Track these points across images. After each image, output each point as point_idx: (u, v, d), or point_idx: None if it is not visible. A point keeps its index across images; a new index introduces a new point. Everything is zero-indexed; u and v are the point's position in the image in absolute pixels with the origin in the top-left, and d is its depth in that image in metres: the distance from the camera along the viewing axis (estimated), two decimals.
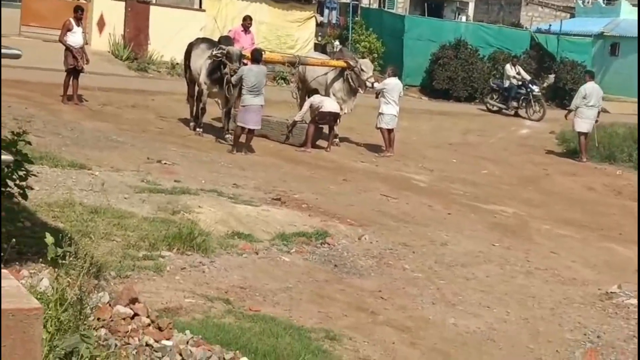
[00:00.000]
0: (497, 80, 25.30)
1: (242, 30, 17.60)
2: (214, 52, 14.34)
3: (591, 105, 17.37)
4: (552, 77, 29.56)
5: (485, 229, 10.84)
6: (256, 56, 14.24)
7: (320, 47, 28.99)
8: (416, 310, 7.18)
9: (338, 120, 15.77)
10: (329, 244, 8.85)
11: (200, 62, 14.83)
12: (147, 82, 20.29)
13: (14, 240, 5.25)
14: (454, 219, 11.15)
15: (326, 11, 32.90)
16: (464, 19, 38.09)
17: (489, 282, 8.25)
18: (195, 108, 15.31)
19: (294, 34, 28.24)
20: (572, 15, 42.69)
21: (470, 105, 25.57)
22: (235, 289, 6.94)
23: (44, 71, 17.21)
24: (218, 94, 14.76)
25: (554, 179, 15.39)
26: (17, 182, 6.07)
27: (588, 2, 47.28)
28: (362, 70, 16.08)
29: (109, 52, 24.86)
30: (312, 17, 28.66)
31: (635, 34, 36.27)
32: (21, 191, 6.13)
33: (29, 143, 6.41)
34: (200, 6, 27.30)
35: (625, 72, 34.18)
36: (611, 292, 8.11)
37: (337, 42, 29.60)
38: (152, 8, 26.50)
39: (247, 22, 17.93)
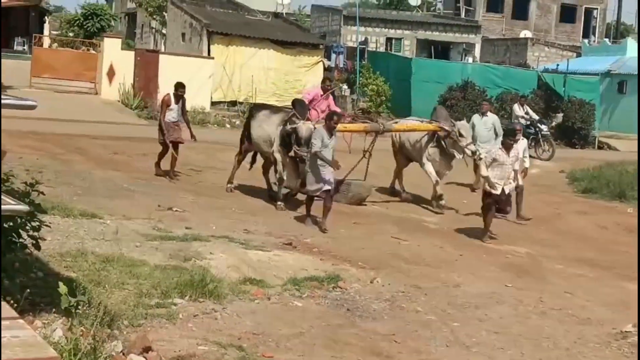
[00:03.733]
0: (506, 121, 25.33)
1: (321, 95, 15.22)
2: (286, 127, 12.90)
3: None
4: (560, 116, 29.62)
5: (497, 269, 10.80)
6: (330, 117, 12.41)
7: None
8: (430, 354, 7.14)
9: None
10: (341, 288, 8.84)
11: (269, 131, 13.44)
12: (157, 130, 20.40)
13: (27, 290, 5.27)
14: (466, 260, 11.12)
15: (333, 55, 33.23)
16: (470, 60, 38.34)
17: (503, 323, 8.21)
18: (265, 179, 14.24)
19: (302, 79, 28.51)
20: (579, 55, 42.93)
21: None
22: (248, 335, 6.93)
23: (55, 122, 17.37)
24: (290, 165, 13.24)
25: (566, 218, 15.35)
26: (30, 232, 6.11)
27: (594, 41, 47.61)
28: (460, 135, 14.52)
29: (119, 101, 25.13)
30: (319, 61, 28.96)
31: None
32: (34, 242, 6.17)
33: (42, 193, 6.47)
34: (209, 54, 27.59)
35: (633, 110, 34.26)
36: (626, 332, 8.04)
37: (345, 86, 29.83)
38: (162, 56, 26.87)
39: (326, 84, 15.84)
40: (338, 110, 15.09)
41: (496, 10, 49.78)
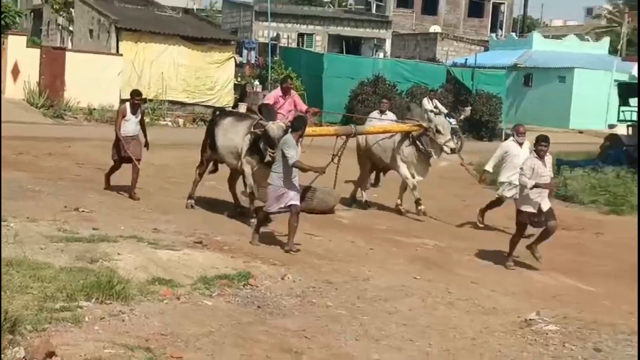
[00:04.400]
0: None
1: (281, 95, 14.19)
2: (253, 130, 11.87)
3: None
4: (468, 109, 30.13)
5: (407, 262, 10.94)
6: (296, 126, 11.19)
7: (240, 88, 29.11)
8: (340, 348, 7.18)
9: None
10: (252, 285, 8.81)
11: (235, 140, 12.34)
12: (63, 129, 20.06)
13: None
14: (376, 254, 11.23)
15: (245, 51, 33.11)
16: (381, 55, 38.72)
17: (412, 315, 8.32)
18: (232, 193, 13.23)
19: (214, 75, 28.34)
20: (487, 49, 43.84)
21: None
22: (156, 336, 6.84)
23: None
24: (262, 176, 11.84)
25: (474, 210, 15.61)
26: None
27: (501, 35, 48.62)
28: (437, 132, 13.82)
29: (24, 100, 24.53)
30: (231, 57, 28.80)
31: (547, 65, 37.42)
32: None
33: None
34: (118, 50, 27.16)
35: (537, 102, 35.15)
36: (530, 320, 8.25)
37: (256, 82, 29.77)
38: (68, 54, 26.35)
39: (287, 83, 14.58)
40: (304, 108, 14.50)
41: (406, 5, 50.40)
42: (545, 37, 44.97)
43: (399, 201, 14.79)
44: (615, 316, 8.71)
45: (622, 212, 15.42)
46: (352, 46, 41.30)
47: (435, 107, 24.55)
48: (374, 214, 14.55)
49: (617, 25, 51.59)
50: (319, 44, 41.06)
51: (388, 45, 42.34)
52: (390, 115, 16.41)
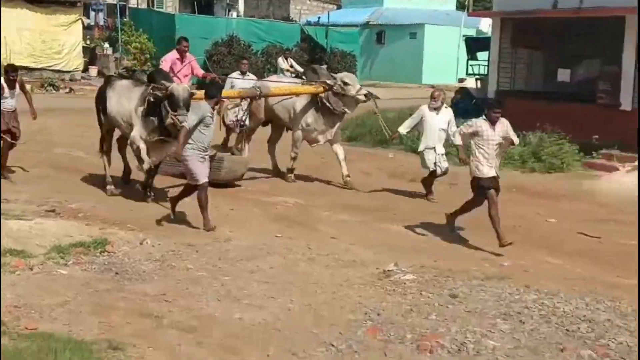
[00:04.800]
0: (271, 74, 25.63)
1: (177, 58, 13.54)
2: (149, 92, 10.86)
3: None
4: (324, 67, 30.36)
5: (268, 221, 10.94)
6: (212, 92, 10.33)
7: (89, 51, 28.22)
8: (201, 310, 7.12)
9: None
10: (109, 252, 8.63)
11: (128, 107, 11.33)
12: None
13: None
14: (237, 214, 11.18)
15: (92, 13, 32.00)
16: (234, 15, 38.32)
17: (273, 273, 8.33)
18: (124, 170, 12.42)
19: (61, 38, 27.35)
20: (339, 7, 44.10)
21: None
22: (9, 308, 6.59)
23: None
24: (157, 150, 11.20)
25: (332, 167, 15.74)
26: None
27: None
28: (346, 84, 13.09)
29: None
30: (78, 20, 27.85)
31: (399, 22, 38.04)
32: None
33: None
34: None
35: (390, 59, 35.74)
36: (388, 270, 8.42)
37: (106, 44, 28.93)
38: None
39: (183, 45, 13.75)
40: (201, 73, 14.07)
41: None
42: None
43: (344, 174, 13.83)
44: (469, 263, 9.01)
45: None
46: (205, 6, 40.68)
47: (291, 66, 24.54)
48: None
49: None
50: (170, 5, 40.25)
51: (241, 4, 41.91)
52: (251, 75, 16.33)
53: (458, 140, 10.36)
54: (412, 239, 10.33)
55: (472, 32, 35.55)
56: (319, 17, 36.56)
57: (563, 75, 18.76)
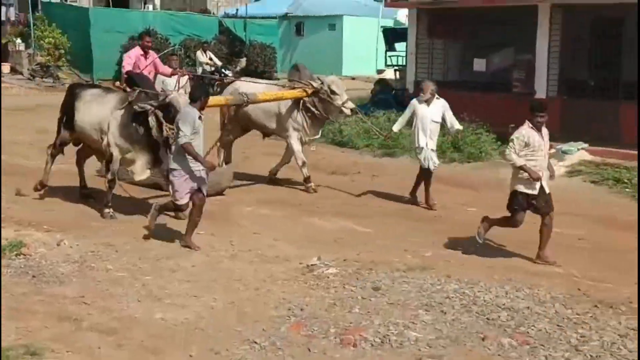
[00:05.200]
0: (190, 68, 25.38)
1: (141, 54, 12.74)
2: (140, 105, 10.03)
3: None
4: (243, 60, 30.20)
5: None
6: (196, 95, 9.19)
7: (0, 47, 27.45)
8: (122, 311, 7.01)
9: None
10: (25, 255, 8.42)
11: (100, 115, 10.51)
12: None
13: None
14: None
15: (3, 8, 31.10)
16: (151, 7, 37.74)
17: (195, 271, 8.25)
18: (79, 171, 11.54)
19: None
20: None
21: None
22: None
23: None
24: (137, 161, 10.45)
25: (254, 161, 15.68)
26: None
27: None
28: (332, 93, 12.38)
29: None
30: None
31: (317, 14, 38.05)
32: None
33: None
34: None
35: (310, 51, 35.70)
36: (312, 265, 8.42)
37: (19, 40, 28.18)
38: None
39: (146, 40, 12.90)
40: (169, 71, 12.99)
41: None
42: None
43: (274, 172, 13.48)
44: (391, 255, 9.06)
45: (395, 154, 16.01)
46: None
47: (210, 59, 24.36)
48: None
49: None
50: None
51: None
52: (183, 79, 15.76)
53: (519, 161, 8.78)
54: (336, 233, 10.32)
55: (390, 23, 35.76)
56: (237, 10, 36.26)
57: (479, 65, 19.03)
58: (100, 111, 10.60)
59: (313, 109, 12.53)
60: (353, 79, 34.38)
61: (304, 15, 38.43)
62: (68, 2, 34.80)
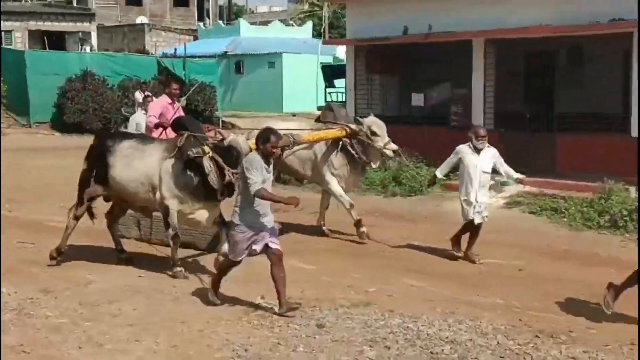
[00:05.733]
0: (130, 108, 25.27)
1: (169, 103, 11.69)
2: (193, 150, 9.20)
3: None
4: (183, 100, 30.01)
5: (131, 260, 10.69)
6: (264, 137, 8.04)
7: None
8: (62, 358, 6.88)
9: None
10: None
11: (147, 168, 9.61)
12: None
13: None
14: (97, 256, 10.84)
15: None
16: (88, 49, 37.62)
17: (137, 314, 8.13)
18: (112, 234, 10.59)
19: None
20: (196, 38, 44.02)
21: None
22: None
23: None
24: (196, 211, 9.57)
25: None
26: None
27: (209, 24, 49.03)
28: (373, 134, 11.55)
29: None
30: None
31: (256, 51, 38.25)
32: None
33: None
34: None
35: (250, 89, 35.86)
36: (256, 304, 8.37)
37: None
38: None
39: (173, 88, 11.82)
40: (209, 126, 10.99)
41: None
42: (252, 23, 45.96)
43: (322, 222, 12.60)
44: (335, 291, 9.06)
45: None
46: (55, 42, 39.73)
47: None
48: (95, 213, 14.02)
49: (318, 9, 53.69)
50: (19, 41, 39.11)
51: (94, 38, 41.23)
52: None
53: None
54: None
55: (329, 59, 36.13)
56: (175, 49, 36.30)
57: (417, 99, 19.30)
58: (145, 165, 9.67)
59: (352, 152, 11.64)
60: (294, 115, 34.56)
61: (243, 53, 38.64)
62: (3, 46, 34.48)
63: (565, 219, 13.20)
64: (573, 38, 16.65)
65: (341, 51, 33.60)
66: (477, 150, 10.56)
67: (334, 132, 11.65)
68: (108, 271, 9.92)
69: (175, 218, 9.57)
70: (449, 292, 9.15)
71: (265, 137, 7.95)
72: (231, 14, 53.90)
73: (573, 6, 15.92)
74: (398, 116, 19.47)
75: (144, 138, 10.44)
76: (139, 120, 15.07)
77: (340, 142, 11.68)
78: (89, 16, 42.52)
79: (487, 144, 10.69)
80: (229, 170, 9.03)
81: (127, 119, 24.85)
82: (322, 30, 47.44)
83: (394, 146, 11.65)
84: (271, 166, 8.11)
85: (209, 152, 9.19)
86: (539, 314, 8.22)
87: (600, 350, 6.96)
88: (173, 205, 9.51)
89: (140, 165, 9.72)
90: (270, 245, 8.02)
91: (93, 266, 10.14)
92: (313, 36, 43.95)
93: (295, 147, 11.48)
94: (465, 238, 10.91)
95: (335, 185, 11.89)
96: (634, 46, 15.45)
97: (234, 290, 9.11)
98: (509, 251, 11.13)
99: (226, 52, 38.71)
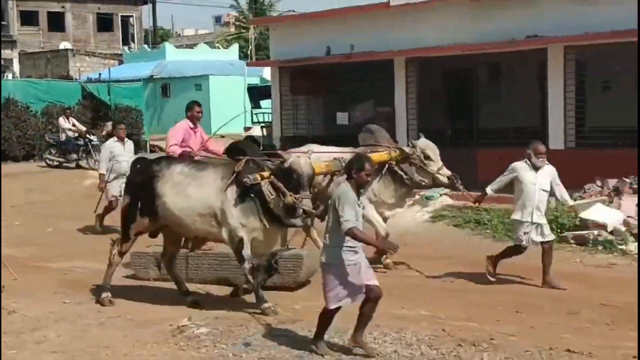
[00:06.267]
0: (54, 135, 24.97)
1: (191, 127, 11.01)
2: (249, 176, 8.57)
3: None
4: (109, 124, 29.83)
5: (56, 287, 10.59)
6: (357, 165, 7.20)
7: None
8: None
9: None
10: None
11: (206, 197, 8.88)
12: None
13: None
14: (22, 284, 10.70)
15: None
16: (10, 76, 37.03)
17: (61, 341, 8.05)
18: (173, 276, 9.79)
19: None
20: (121, 62, 43.69)
21: (30, 164, 25.05)
22: None
23: None
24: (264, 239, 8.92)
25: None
26: None
27: (134, 48, 48.73)
28: (427, 157, 10.94)
29: None
30: None
31: (183, 74, 38.17)
32: None
33: None
34: None
35: (178, 112, 35.67)
36: (182, 326, 8.36)
37: None
38: None
39: (195, 110, 11.13)
40: (221, 150, 10.33)
41: (31, 23, 48.67)
42: (178, 47, 45.84)
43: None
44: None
45: None
46: None
47: (73, 125, 24.11)
48: (15, 242, 13.84)
49: (245, 31, 53.84)
50: None
51: (16, 65, 40.63)
52: (128, 142, 15.28)
53: None
54: (209, 292, 10.25)
55: (256, 81, 36.23)
56: (100, 74, 35.94)
57: (341, 118, 19.54)
58: (203, 193, 8.92)
59: (402, 176, 11.02)
60: (222, 137, 34.46)
61: (170, 76, 38.48)
62: None
63: (488, 230, 13.51)
64: (491, 55, 17.11)
65: (268, 72, 33.80)
66: (536, 168, 10.06)
67: (381, 155, 10.86)
68: (34, 299, 9.80)
69: (249, 249, 8.83)
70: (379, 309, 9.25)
71: (360, 165, 7.15)
72: (156, 38, 53.66)
73: (490, 24, 16.41)
74: (324, 136, 19.64)
75: (194, 162, 9.56)
76: (113, 149, 14.63)
77: (386, 166, 11.00)
78: (11, 43, 41.93)
79: (547, 162, 10.17)
80: (291, 195, 8.39)
81: (51, 145, 24.58)
82: (248, 52, 47.59)
83: (447, 172, 11.03)
84: (362, 197, 7.50)
85: (268, 177, 8.61)
86: (462, 324, 8.41)
87: (520, 356, 7.15)
88: (244, 235, 8.77)
89: (196, 193, 8.94)
90: (369, 283, 7.22)
91: (19, 295, 9.98)
92: (240, 58, 44.03)
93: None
94: (529, 267, 10.48)
95: (372, 211, 10.93)
96: (548, 61, 15.95)
97: (161, 312, 9.12)
98: (434, 263, 11.35)
99: (152, 75, 38.50)
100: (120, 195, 13.46)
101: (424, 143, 11.10)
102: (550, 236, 10.20)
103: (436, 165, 10.93)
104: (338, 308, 7.26)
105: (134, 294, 10.06)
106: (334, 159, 10.05)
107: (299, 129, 19.84)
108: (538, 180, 10.02)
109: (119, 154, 14.79)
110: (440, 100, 19.09)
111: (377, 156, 10.59)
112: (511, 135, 16.58)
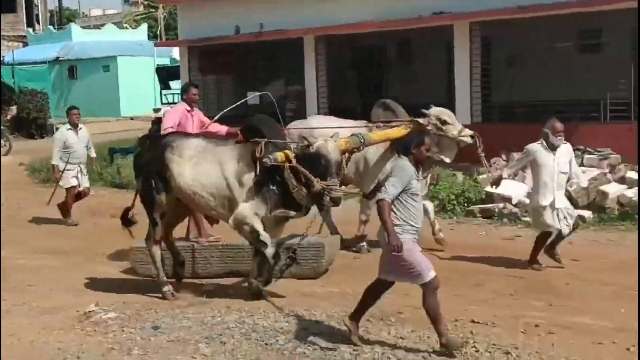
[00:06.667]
0: None
1: (188, 110, 10.49)
2: (270, 157, 7.94)
3: None
4: (14, 108, 29.18)
5: None
6: (409, 145, 6.82)
7: None
8: None
9: None
10: None
11: (218, 178, 8.32)
12: None
13: None
14: None
15: None
16: None
17: None
18: (176, 262, 9.30)
19: None
20: (26, 44, 42.58)
21: None
22: None
23: None
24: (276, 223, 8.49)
25: (29, 212, 15.21)
26: None
27: (39, 30, 47.50)
28: (444, 123, 10.10)
29: None
30: None
31: (90, 56, 37.40)
32: None
33: None
34: None
35: (85, 94, 35.00)
36: (89, 312, 8.24)
37: None
38: None
39: (191, 93, 10.60)
40: (224, 130, 9.96)
41: None
42: (85, 27, 44.92)
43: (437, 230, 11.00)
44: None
45: None
46: None
47: None
48: None
49: (154, 10, 52.96)
50: None
51: None
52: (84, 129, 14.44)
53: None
54: (119, 278, 10.11)
55: (166, 61, 35.78)
56: (3, 57, 34.97)
57: (253, 98, 19.42)
58: (216, 171, 8.36)
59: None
60: (132, 119, 34.06)
61: (76, 58, 37.71)
62: None
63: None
64: (400, 32, 17.25)
65: (177, 52, 33.44)
66: (554, 148, 9.38)
67: (399, 130, 9.96)
68: None
69: (265, 234, 8.27)
70: (288, 286, 9.26)
71: (420, 140, 6.81)
72: (62, 19, 52.35)
73: (398, 1, 16.50)
74: (234, 115, 19.52)
75: (209, 138, 8.91)
76: (66, 138, 13.97)
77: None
78: None
79: (565, 141, 9.51)
80: (318, 182, 7.76)
81: None
82: (158, 32, 46.89)
83: (469, 131, 10.18)
84: (422, 174, 7.02)
85: (291, 161, 7.96)
86: None
87: (427, 329, 7.26)
88: (258, 225, 8.24)
89: (210, 170, 8.39)
90: (430, 275, 6.80)
91: None
92: (149, 38, 43.39)
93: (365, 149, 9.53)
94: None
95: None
96: (455, 37, 16.17)
97: (68, 298, 8.97)
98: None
99: (58, 57, 37.63)
100: (78, 185, 13.66)
101: (436, 110, 10.32)
102: (575, 221, 9.71)
103: (456, 128, 10.14)
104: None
105: (39, 281, 9.87)
106: (352, 135, 9.06)
107: (209, 110, 19.63)
108: (557, 162, 9.40)
109: (73, 142, 14.00)
110: (350, 77, 19.18)
111: (395, 131, 9.93)
112: (420, 112, 16.69)
